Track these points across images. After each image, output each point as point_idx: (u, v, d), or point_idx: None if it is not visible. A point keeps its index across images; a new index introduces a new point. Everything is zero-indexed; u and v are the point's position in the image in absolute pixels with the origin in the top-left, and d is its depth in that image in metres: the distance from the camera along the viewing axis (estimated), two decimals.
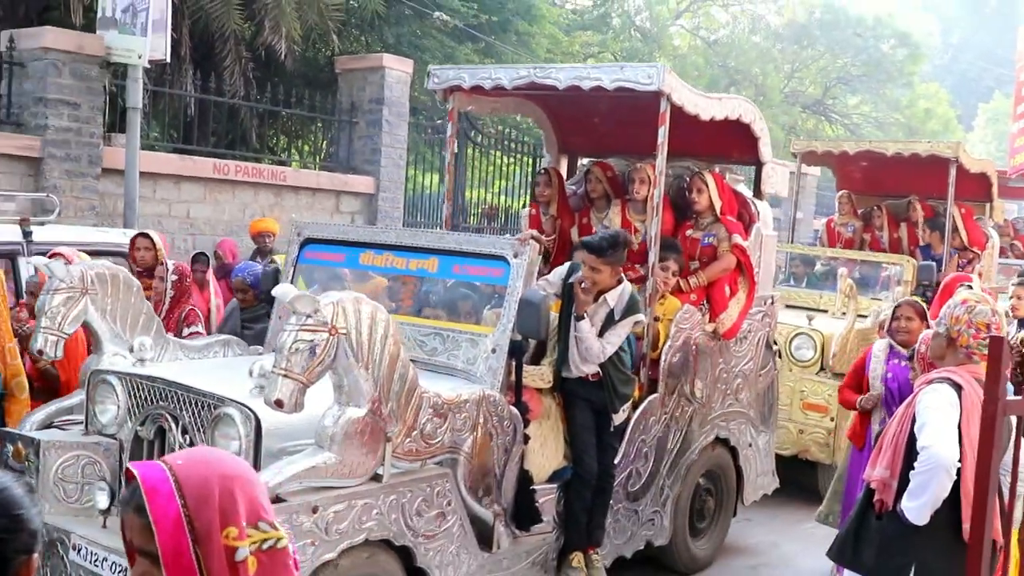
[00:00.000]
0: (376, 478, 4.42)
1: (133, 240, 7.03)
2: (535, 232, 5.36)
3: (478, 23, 17.36)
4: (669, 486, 6.26)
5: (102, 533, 4.59)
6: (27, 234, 6.88)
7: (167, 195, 11.29)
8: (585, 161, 7.73)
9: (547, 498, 5.35)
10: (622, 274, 5.55)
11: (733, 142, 7.02)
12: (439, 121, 15.54)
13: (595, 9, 28.82)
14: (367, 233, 5.76)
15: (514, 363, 5.14)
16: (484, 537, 5.00)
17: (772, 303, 7.10)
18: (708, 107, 6.21)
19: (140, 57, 10.09)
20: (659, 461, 6.13)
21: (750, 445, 6.99)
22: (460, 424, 4.74)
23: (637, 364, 6.08)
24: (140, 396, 4.77)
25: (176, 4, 11.14)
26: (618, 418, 5.56)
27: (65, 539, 4.60)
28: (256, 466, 4.29)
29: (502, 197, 17.58)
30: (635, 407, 5.96)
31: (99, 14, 10.50)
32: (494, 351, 5.12)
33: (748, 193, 7.10)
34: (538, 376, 5.38)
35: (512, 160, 16.60)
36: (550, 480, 5.44)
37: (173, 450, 4.63)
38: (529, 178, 17.16)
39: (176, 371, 4.89)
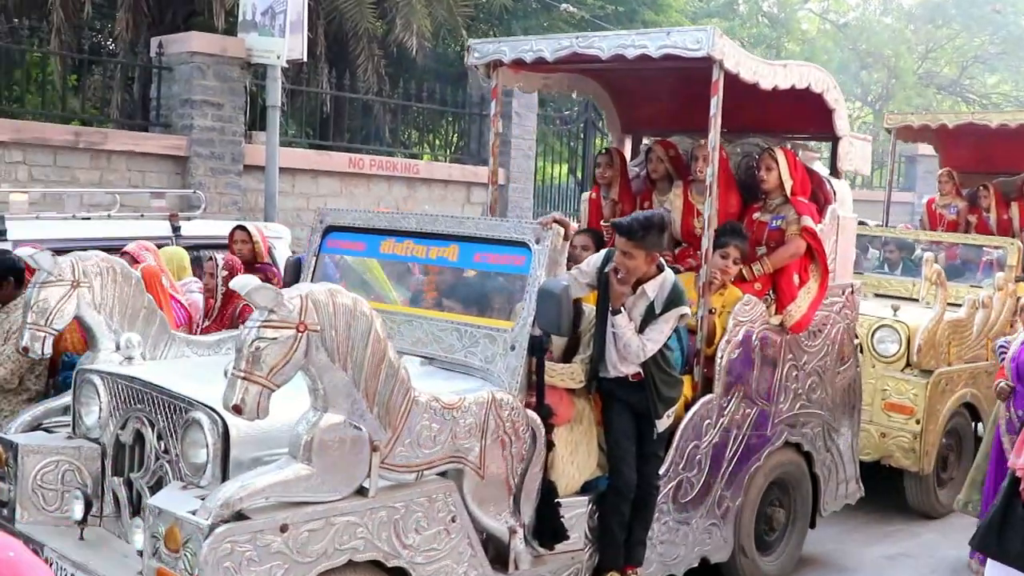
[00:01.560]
0: (361, 492, 3.93)
1: (232, 233, 7.03)
2: (559, 215, 4.80)
3: (604, 14, 17.53)
4: (729, 497, 5.63)
5: (76, 546, 4.25)
6: (176, 229, 7.27)
7: (305, 189, 11.78)
8: (649, 140, 7.11)
9: (577, 512, 4.79)
10: (662, 261, 4.96)
11: (807, 115, 6.33)
12: (567, 112, 15.55)
13: None
14: (387, 219, 5.30)
15: (535, 361, 4.60)
16: (500, 556, 4.49)
17: (852, 292, 6.38)
18: (770, 74, 5.55)
19: (279, 57, 10.67)
20: (716, 469, 5.50)
21: (828, 450, 6.30)
22: (464, 430, 4.22)
23: (690, 361, 5.48)
24: (121, 398, 4.41)
25: (312, 5, 11.70)
26: (662, 424, 4.97)
27: (39, 551, 4.26)
28: (224, 477, 3.88)
29: None
30: (686, 409, 5.37)
31: (240, 17, 11.08)
32: (513, 348, 4.59)
33: (824, 171, 6.40)
34: (568, 375, 4.82)
35: None
36: (582, 491, 4.88)
37: (150, 457, 4.26)
38: None
39: (158, 371, 4.50)
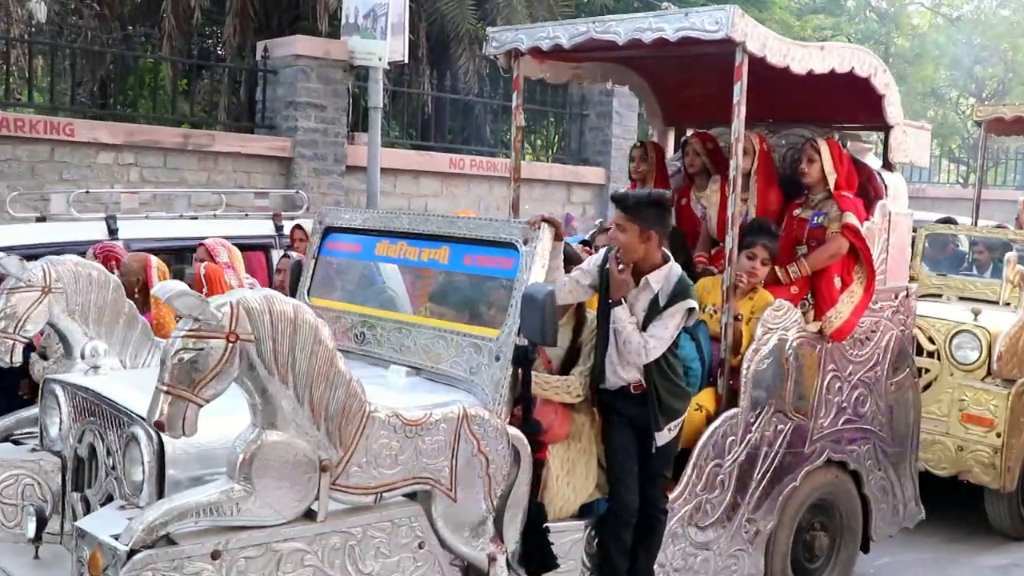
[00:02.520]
0: (310, 516, 3.62)
1: (292, 232, 7.21)
2: (548, 214, 4.41)
3: None
4: (759, 520, 5.14)
5: (29, 566, 4.03)
6: (279, 228, 7.46)
7: (406, 189, 12.04)
8: (690, 133, 6.65)
9: (571, 537, 4.39)
10: (667, 252, 4.54)
11: (858, 103, 5.77)
12: None
13: None
14: (382, 220, 4.98)
15: (521, 373, 4.22)
16: None
17: (908, 296, 5.82)
18: (803, 57, 5.05)
19: (380, 59, 10.90)
20: (742, 490, 5.03)
21: (880, 468, 5.75)
22: (431, 449, 3.86)
23: (714, 372, 5.03)
24: (79, 409, 4.18)
25: (413, 7, 12.07)
26: (661, 438, 4.49)
27: None
28: (161, 496, 3.60)
29: None
30: (708, 424, 4.91)
31: (343, 21, 11.43)
32: (497, 358, 4.22)
33: (877, 164, 5.85)
34: (564, 388, 4.43)
35: None
36: (581, 514, 4.48)
37: (101, 473, 4.02)
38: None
39: (117, 381, 4.24)
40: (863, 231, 5.39)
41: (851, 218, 5.34)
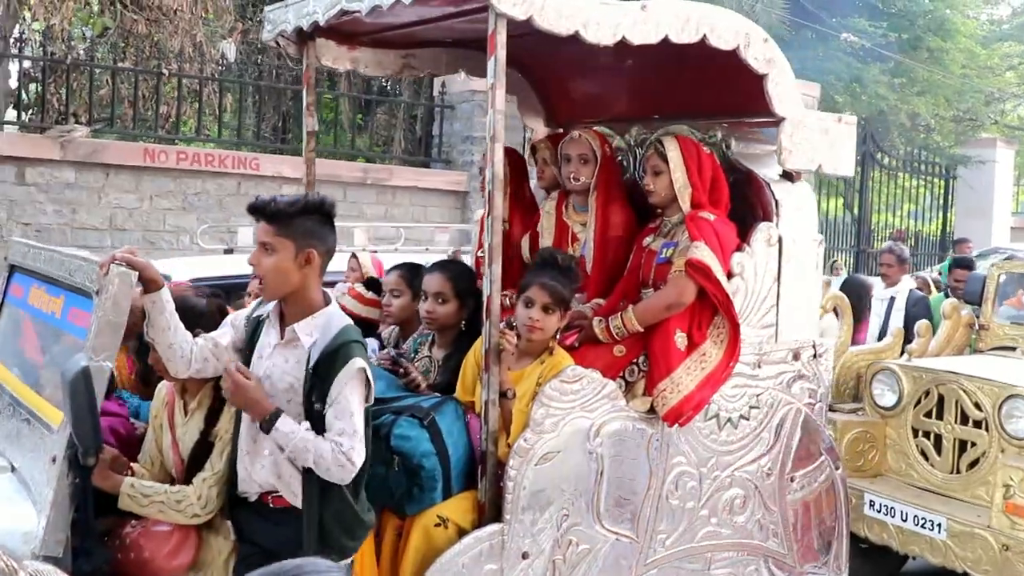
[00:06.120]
0: None
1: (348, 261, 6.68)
2: (124, 252, 3.05)
3: (887, 42, 16.65)
4: None
5: None
6: None
7: None
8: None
9: None
10: (328, 292, 3.15)
11: (754, 89, 4.19)
12: None
13: (1015, 18, 26.38)
14: (32, 256, 3.74)
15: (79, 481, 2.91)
16: None
17: (816, 356, 4.16)
18: (604, 21, 3.55)
19: None
20: None
21: None
22: None
23: (475, 467, 3.56)
24: None
25: None
26: None
27: None
28: None
29: (911, 221, 17.73)
30: (460, 536, 3.45)
31: None
32: (54, 459, 2.93)
33: (773, 173, 4.23)
34: (171, 504, 3.07)
35: (922, 182, 17.13)
36: None
37: None
38: (940, 200, 17.96)
39: None
40: (725, 269, 3.80)
41: (701, 251, 3.75)
